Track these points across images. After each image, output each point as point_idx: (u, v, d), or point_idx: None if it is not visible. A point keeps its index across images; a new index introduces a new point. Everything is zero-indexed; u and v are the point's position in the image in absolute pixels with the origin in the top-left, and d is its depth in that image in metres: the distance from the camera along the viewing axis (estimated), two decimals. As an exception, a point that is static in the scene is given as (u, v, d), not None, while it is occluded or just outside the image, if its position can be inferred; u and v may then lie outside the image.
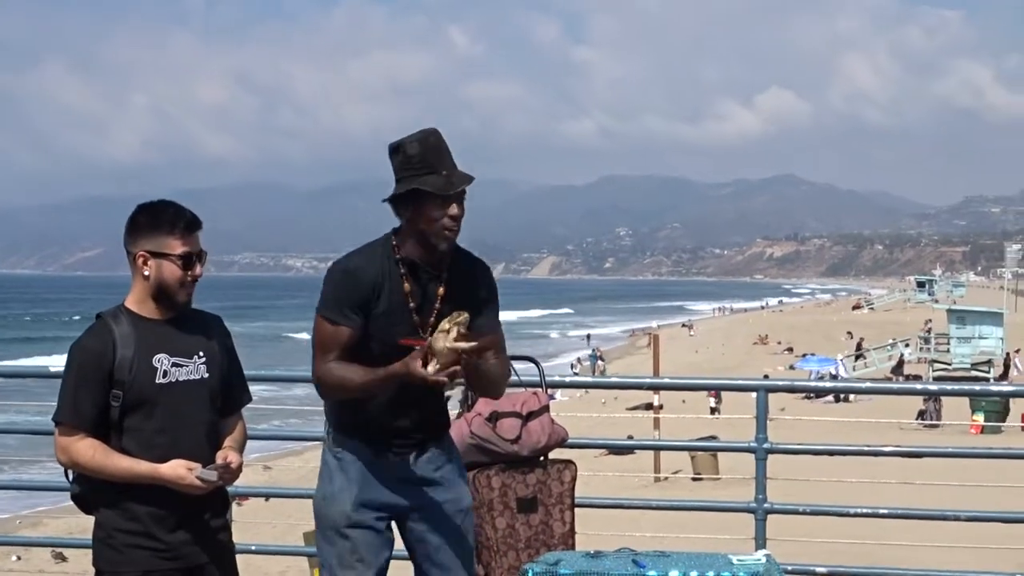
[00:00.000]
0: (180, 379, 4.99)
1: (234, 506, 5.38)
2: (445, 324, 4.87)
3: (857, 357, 72.47)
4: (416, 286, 5.21)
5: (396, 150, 5.13)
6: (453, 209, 5.08)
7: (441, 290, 5.23)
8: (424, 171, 5.06)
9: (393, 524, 5.47)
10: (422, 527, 5.40)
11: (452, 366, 4.84)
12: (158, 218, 4.94)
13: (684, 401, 41.88)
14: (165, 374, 4.96)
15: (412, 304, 5.19)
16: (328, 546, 5.38)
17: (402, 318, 5.19)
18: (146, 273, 4.93)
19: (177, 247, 4.90)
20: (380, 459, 5.34)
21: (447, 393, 5.27)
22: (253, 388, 5.45)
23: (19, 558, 20.82)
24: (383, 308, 5.17)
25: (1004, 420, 37.23)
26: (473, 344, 4.84)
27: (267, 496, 16.92)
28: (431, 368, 4.84)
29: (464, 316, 4.88)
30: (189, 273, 4.93)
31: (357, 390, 5.16)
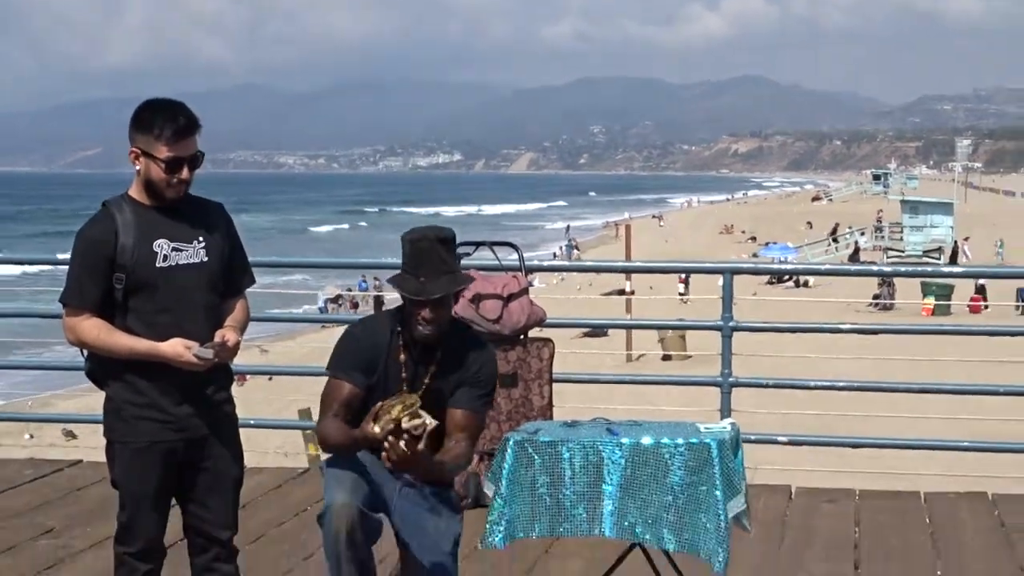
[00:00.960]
0: (180, 263, 4.97)
1: (235, 385, 5.37)
2: (395, 400, 4.89)
3: (833, 241, 73.16)
4: (410, 360, 5.20)
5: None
6: (426, 312, 5.06)
7: (433, 367, 5.19)
8: (409, 271, 5.10)
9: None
10: (406, 536, 5.28)
11: (390, 435, 4.81)
12: (152, 120, 4.88)
13: (651, 288, 41.97)
14: (165, 258, 4.94)
15: (404, 374, 5.18)
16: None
17: (394, 387, 5.15)
18: (137, 168, 4.93)
19: (163, 152, 4.86)
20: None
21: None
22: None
23: (32, 436, 20.94)
24: (380, 374, 5.17)
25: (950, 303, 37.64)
26: (397, 429, 4.82)
27: (270, 375, 16.97)
28: (376, 428, 4.84)
29: (413, 400, 4.90)
30: (175, 176, 4.89)
31: (338, 448, 5.16)
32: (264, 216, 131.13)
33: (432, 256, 5.14)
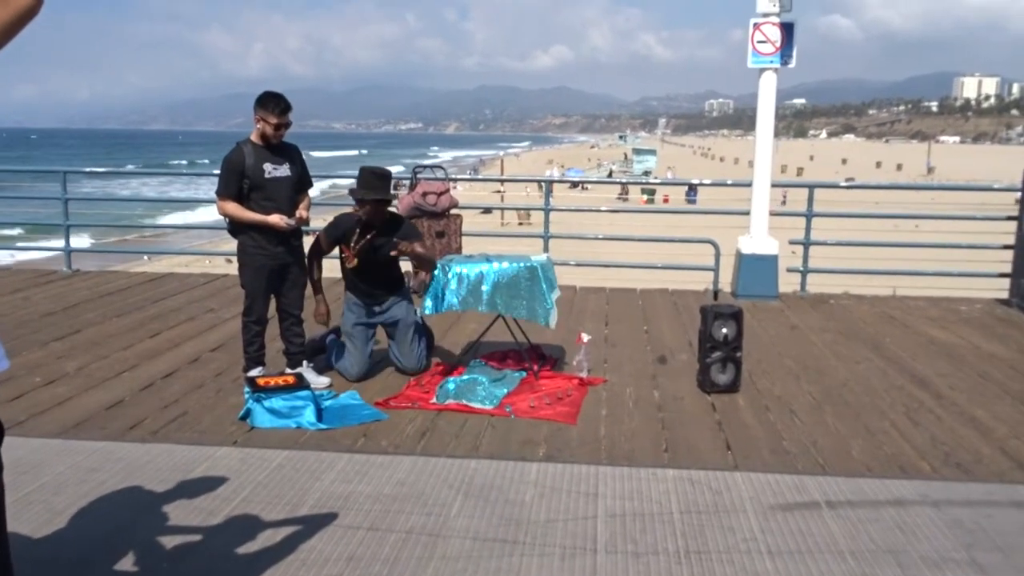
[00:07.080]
0: (277, 175, 4.76)
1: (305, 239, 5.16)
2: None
3: (625, 161, 74.89)
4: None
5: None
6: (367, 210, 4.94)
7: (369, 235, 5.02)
8: (361, 187, 4.91)
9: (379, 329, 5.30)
10: (392, 328, 5.18)
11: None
12: (268, 102, 4.67)
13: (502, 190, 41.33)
14: (269, 173, 4.73)
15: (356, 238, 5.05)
16: (346, 334, 5.19)
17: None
18: (258, 126, 4.71)
19: (272, 119, 4.67)
20: (366, 303, 5.16)
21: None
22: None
23: (210, 262, 20.18)
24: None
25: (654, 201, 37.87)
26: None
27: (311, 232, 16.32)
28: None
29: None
30: (276, 133, 4.70)
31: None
32: (321, 151, 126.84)
33: (372, 180, 4.94)
